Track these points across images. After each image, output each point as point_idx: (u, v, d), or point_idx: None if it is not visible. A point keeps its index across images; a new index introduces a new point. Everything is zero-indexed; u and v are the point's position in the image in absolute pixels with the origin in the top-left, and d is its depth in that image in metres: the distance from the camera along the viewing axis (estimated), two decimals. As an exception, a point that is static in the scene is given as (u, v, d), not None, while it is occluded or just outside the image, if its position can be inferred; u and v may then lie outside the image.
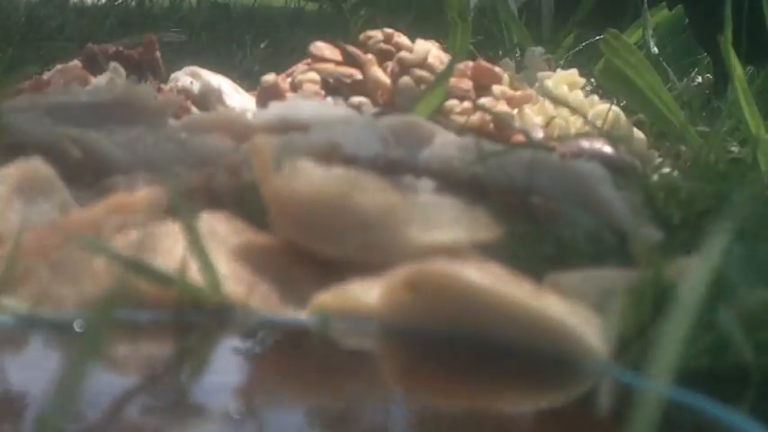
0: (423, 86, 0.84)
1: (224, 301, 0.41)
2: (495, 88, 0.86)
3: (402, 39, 0.91)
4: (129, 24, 1.49)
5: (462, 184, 0.57)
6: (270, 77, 0.87)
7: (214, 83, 0.87)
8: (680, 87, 1.21)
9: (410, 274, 0.39)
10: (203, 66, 0.94)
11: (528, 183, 0.55)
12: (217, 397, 0.35)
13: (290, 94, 0.84)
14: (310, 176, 0.46)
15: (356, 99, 0.85)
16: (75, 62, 0.89)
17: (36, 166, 0.52)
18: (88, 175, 0.60)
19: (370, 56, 0.88)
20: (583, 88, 0.91)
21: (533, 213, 0.54)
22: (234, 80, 0.94)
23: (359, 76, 0.86)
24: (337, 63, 0.87)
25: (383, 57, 0.89)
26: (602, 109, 0.85)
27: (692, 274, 0.26)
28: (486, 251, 0.46)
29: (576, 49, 1.37)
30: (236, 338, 0.41)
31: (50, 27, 1.42)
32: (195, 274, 0.41)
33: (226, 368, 0.38)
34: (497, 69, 0.89)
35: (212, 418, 0.33)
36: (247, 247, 0.46)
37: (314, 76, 0.86)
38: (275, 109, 0.66)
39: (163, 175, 0.57)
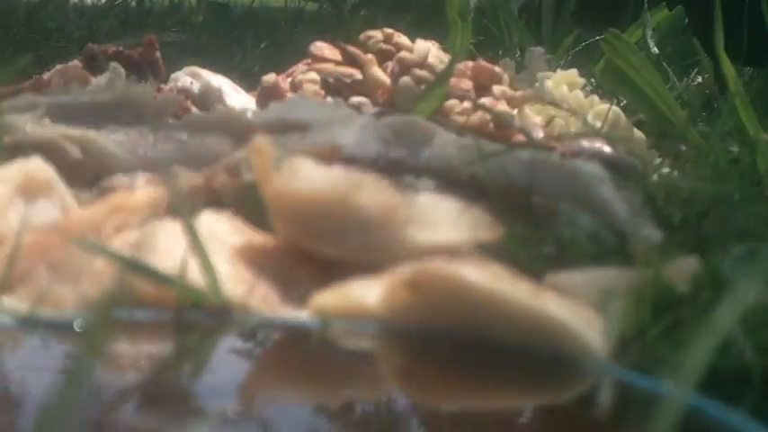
0: (423, 86, 0.84)
1: (224, 301, 0.41)
2: (495, 88, 0.86)
3: (402, 39, 0.91)
4: (129, 24, 1.49)
5: (462, 184, 0.57)
6: (270, 77, 0.87)
7: (214, 83, 0.87)
8: (680, 87, 1.21)
9: (410, 274, 0.39)
10: (203, 66, 0.94)
11: (528, 183, 0.55)
12: (217, 397, 0.35)
13: (290, 94, 0.84)
14: (310, 176, 0.46)
15: (356, 99, 0.84)
16: (75, 62, 0.89)
17: (36, 166, 0.52)
18: (88, 175, 0.60)
19: (370, 56, 0.88)
20: (583, 88, 0.91)
21: (533, 213, 0.54)
22: (234, 80, 0.94)
23: (359, 76, 0.86)
24: (337, 63, 0.87)
25: (383, 57, 0.89)
26: (602, 109, 0.85)
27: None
28: (486, 251, 0.46)
29: (576, 49, 1.37)
30: (236, 338, 0.41)
31: (50, 27, 1.42)
32: (195, 274, 0.41)
33: (226, 368, 0.38)
34: (497, 69, 0.89)
35: (212, 418, 0.33)
36: (247, 247, 0.46)
37: (314, 76, 0.86)
38: (275, 109, 0.65)
39: (163, 175, 0.57)
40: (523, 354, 0.38)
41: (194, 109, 0.81)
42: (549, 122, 0.82)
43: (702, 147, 0.78)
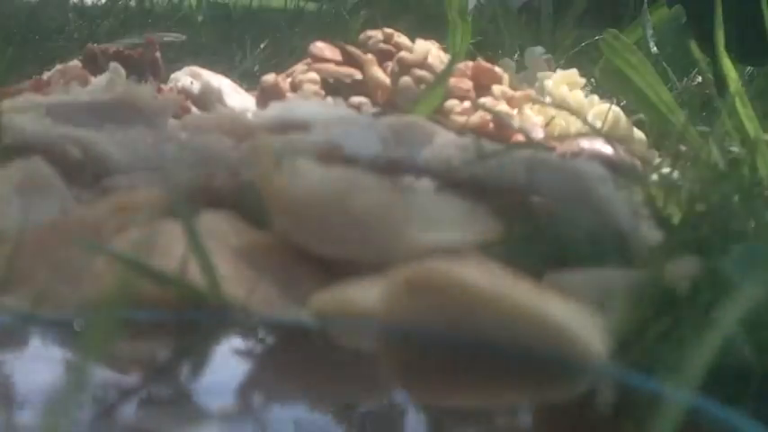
0: (423, 86, 0.84)
1: (224, 301, 0.41)
2: (495, 88, 0.86)
3: (402, 39, 0.91)
4: (129, 24, 1.49)
5: (462, 184, 0.57)
6: (270, 77, 0.87)
7: (214, 83, 0.87)
8: (680, 87, 1.21)
9: (410, 275, 0.39)
10: (203, 66, 0.94)
11: (528, 183, 0.55)
12: (217, 397, 0.35)
13: (290, 94, 0.84)
14: (310, 176, 0.46)
15: (356, 99, 0.85)
16: (75, 62, 0.89)
17: (36, 166, 0.52)
18: (88, 175, 0.60)
19: (370, 56, 0.88)
20: (583, 88, 0.91)
21: (533, 213, 0.54)
22: (234, 80, 0.94)
23: (359, 76, 0.86)
24: (337, 63, 0.87)
25: (383, 57, 0.89)
26: (602, 109, 0.85)
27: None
28: (486, 251, 0.46)
29: (576, 49, 1.37)
30: (236, 338, 0.41)
31: (50, 27, 1.42)
32: (195, 274, 0.41)
33: (226, 368, 0.38)
34: (497, 69, 0.89)
35: (212, 418, 0.33)
36: (247, 247, 0.46)
37: (314, 76, 0.86)
38: (275, 109, 0.66)
39: (163, 175, 0.57)
40: (523, 354, 0.38)
41: (194, 109, 0.81)
42: (549, 122, 0.82)
43: (702, 147, 0.78)
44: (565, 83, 0.90)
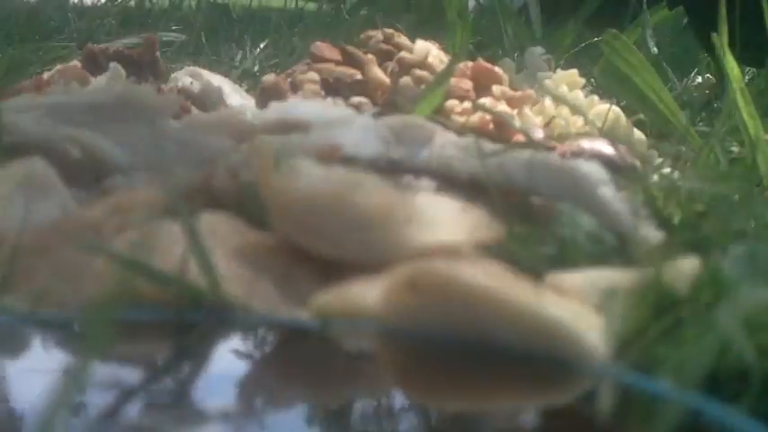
0: (423, 86, 0.84)
1: (224, 300, 0.41)
2: (495, 88, 0.86)
3: (402, 39, 0.91)
4: (129, 24, 1.49)
5: (462, 184, 0.57)
6: (270, 77, 0.87)
7: (214, 83, 0.87)
8: (680, 87, 1.21)
9: (410, 275, 0.39)
10: (203, 66, 0.94)
11: (528, 183, 0.55)
12: (217, 397, 0.35)
13: (290, 94, 0.84)
14: (310, 176, 0.46)
15: (356, 99, 0.84)
16: (75, 62, 0.89)
17: (36, 166, 0.52)
18: (88, 175, 0.60)
19: (370, 56, 0.88)
20: (583, 88, 0.91)
21: (533, 213, 0.54)
22: (234, 80, 0.94)
23: (359, 76, 0.86)
24: (337, 63, 0.87)
25: (383, 57, 0.89)
26: (602, 109, 0.85)
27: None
28: (486, 251, 0.46)
29: (576, 49, 1.37)
30: (236, 338, 0.41)
31: (50, 27, 1.42)
32: (195, 273, 0.41)
33: (225, 368, 0.38)
34: (497, 69, 0.89)
35: (212, 418, 0.33)
36: (247, 247, 0.46)
37: (314, 76, 0.86)
38: (275, 109, 0.66)
39: (163, 175, 0.57)
40: (523, 354, 0.38)
41: (194, 109, 0.81)
42: (548, 122, 0.82)
43: (702, 147, 0.78)
44: (565, 83, 0.90)
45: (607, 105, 0.85)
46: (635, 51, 0.88)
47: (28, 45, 1.19)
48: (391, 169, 0.58)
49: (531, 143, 0.66)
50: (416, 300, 0.39)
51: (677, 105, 0.89)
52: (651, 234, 0.52)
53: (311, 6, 1.91)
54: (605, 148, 0.71)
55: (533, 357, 0.37)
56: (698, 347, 0.36)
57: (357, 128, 0.61)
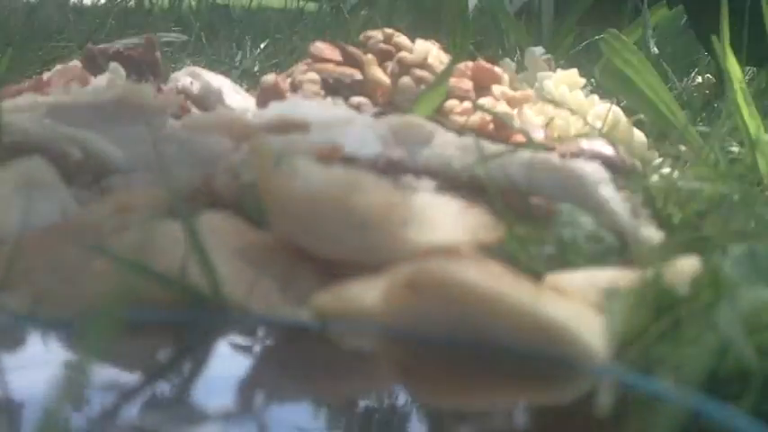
0: (423, 86, 0.84)
1: (224, 300, 0.41)
2: (495, 88, 0.86)
3: (402, 39, 0.91)
4: (129, 24, 1.49)
5: (462, 184, 0.57)
6: (270, 77, 0.87)
7: (214, 83, 0.87)
8: (680, 87, 1.21)
9: (410, 275, 0.39)
10: (203, 66, 0.94)
11: (528, 183, 0.55)
12: (217, 397, 0.35)
13: (290, 94, 0.84)
14: (310, 176, 0.46)
15: (356, 99, 0.84)
16: (75, 62, 0.89)
17: (36, 166, 0.52)
18: (88, 175, 0.60)
19: (370, 56, 0.88)
20: (583, 88, 0.91)
21: (533, 213, 0.54)
22: (234, 80, 0.94)
23: (359, 76, 0.86)
24: (337, 63, 0.87)
25: (383, 57, 0.89)
26: (602, 109, 0.85)
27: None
28: (486, 251, 0.46)
29: (576, 49, 1.37)
30: (236, 338, 0.41)
31: (50, 27, 1.42)
32: (195, 274, 0.41)
33: (226, 368, 0.38)
34: (497, 69, 0.89)
35: (212, 418, 0.33)
36: (247, 247, 0.46)
37: (314, 76, 0.86)
38: (275, 109, 0.65)
39: (163, 175, 0.57)
40: (523, 354, 0.38)
41: (194, 109, 0.81)
42: (549, 123, 0.82)
43: (702, 147, 0.78)
44: (565, 83, 0.90)
45: (607, 105, 0.85)
46: (635, 51, 0.88)
47: (28, 45, 1.19)
48: (391, 169, 0.58)
49: (531, 143, 0.66)
50: (416, 300, 0.39)
51: (677, 105, 0.89)
52: (651, 234, 0.52)
53: (311, 6, 1.91)
54: (605, 148, 0.71)
55: (533, 357, 0.37)
56: (698, 347, 0.36)
57: (357, 128, 0.61)
